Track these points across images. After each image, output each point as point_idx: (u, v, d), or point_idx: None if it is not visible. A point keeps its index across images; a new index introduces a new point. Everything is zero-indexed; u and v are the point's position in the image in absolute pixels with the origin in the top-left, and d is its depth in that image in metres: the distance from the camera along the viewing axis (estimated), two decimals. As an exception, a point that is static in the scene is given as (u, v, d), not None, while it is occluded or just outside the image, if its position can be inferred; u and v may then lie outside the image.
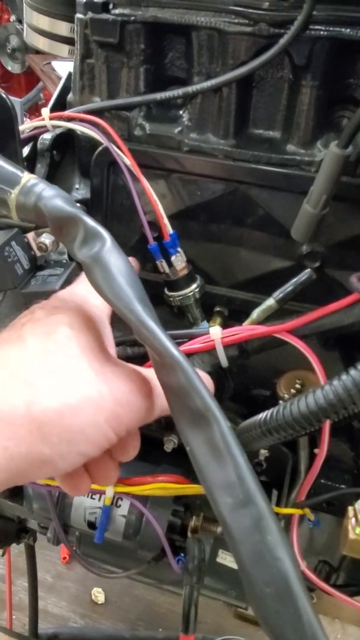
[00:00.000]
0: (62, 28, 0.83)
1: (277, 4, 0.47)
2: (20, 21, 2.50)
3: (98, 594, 1.50)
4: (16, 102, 2.27)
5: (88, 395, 0.32)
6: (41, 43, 0.89)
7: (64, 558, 1.57)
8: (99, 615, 1.47)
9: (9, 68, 2.65)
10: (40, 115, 0.59)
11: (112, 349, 0.39)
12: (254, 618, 1.42)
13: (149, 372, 0.37)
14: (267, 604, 0.28)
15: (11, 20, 2.64)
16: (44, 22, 0.85)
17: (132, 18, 0.51)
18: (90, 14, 0.52)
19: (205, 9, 0.50)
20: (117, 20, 0.51)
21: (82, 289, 0.41)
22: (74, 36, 0.60)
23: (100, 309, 0.40)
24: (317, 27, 0.47)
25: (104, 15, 0.52)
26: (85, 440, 0.32)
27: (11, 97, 0.49)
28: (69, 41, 0.84)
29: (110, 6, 0.53)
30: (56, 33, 0.84)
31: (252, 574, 0.29)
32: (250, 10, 0.48)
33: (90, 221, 0.36)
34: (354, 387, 0.31)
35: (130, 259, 0.54)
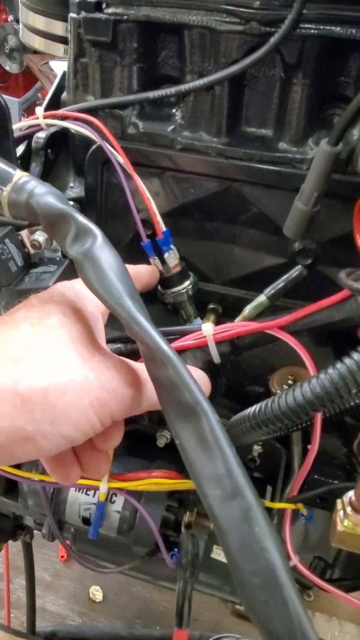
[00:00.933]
0: (58, 27, 0.84)
1: (268, 3, 0.47)
2: (18, 21, 2.50)
3: (96, 592, 1.50)
4: (14, 101, 2.27)
5: (73, 378, 0.33)
6: (37, 43, 0.89)
7: (62, 557, 1.57)
8: (96, 613, 1.47)
9: (7, 68, 2.65)
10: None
11: (104, 343, 0.40)
12: (251, 615, 1.43)
13: (139, 365, 0.37)
14: (254, 594, 0.29)
15: (9, 20, 2.64)
16: (39, 21, 0.86)
17: (125, 17, 0.51)
18: (83, 14, 0.53)
19: (197, 7, 0.50)
20: (109, 20, 0.51)
21: (80, 285, 0.41)
22: (68, 35, 0.60)
23: (96, 304, 0.40)
24: (307, 25, 0.47)
25: (97, 15, 0.52)
26: (68, 422, 0.33)
27: (9, 97, 0.49)
28: (64, 41, 0.85)
29: (103, 5, 0.53)
30: (52, 32, 0.85)
31: (240, 565, 0.29)
32: (241, 9, 0.48)
33: (81, 218, 0.36)
34: (341, 381, 0.31)
35: (151, 267, 0.55)
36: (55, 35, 0.85)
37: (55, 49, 0.88)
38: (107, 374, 0.34)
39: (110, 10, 0.52)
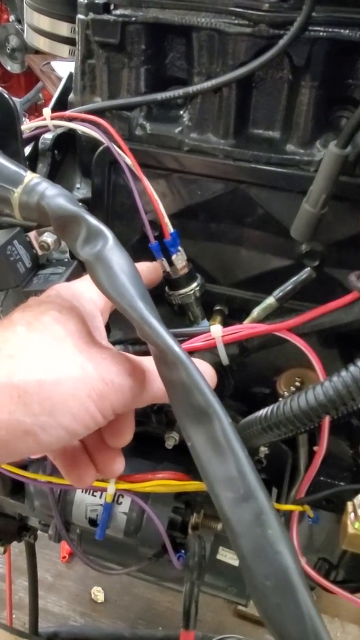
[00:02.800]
0: (63, 28, 0.84)
1: (277, 5, 0.48)
2: (19, 21, 2.50)
3: (98, 593, 1.50)
4: (15, 102, 2.27)
5: (69, 369, 0.33)
6: (42, 43, 0.89)
7: (64, 557, 1.57)
8: (98, 614, 1.47)
9: (9, 68, 2.65)
10: (39, 115, 0.59)
11: (104, 340, 0.40)
12: (253, 616, 1.43)
13: (141, 358, 0.37)
14: (267, 597, 0.29)
15: (10, 20, 2.64)
16: (44, 22, 0.86)
17: (133, 19, 0.51)
18: (91, 15, 0.53)
19: (205, 9, 0.50)
20: (118, 21, 0.51)
21: (79, 284, 0.41)
22: (74, 36, 0.60)
23: (94, 303, 0.40)
24: (316, 28, 0.47)
25: (105, 16, 0.52)
26: (67, 413, 0.32)
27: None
28: (69, 41, 0.85)
29: (111, 7, 0.53)
30: (57, 33, 0.85)
31: (253, 568, 0.29)
32: (250, 12, 0.48)
33: (92, 220, 0.36)
34: (354, 384, 0.31)
35: (153, 264, 0.55)
36: (61, 36, 0.85)
37: (60, 50, 0.88)
38: (105, 365, 0.34)
39: (118, 11, 0.53)
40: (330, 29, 0.47)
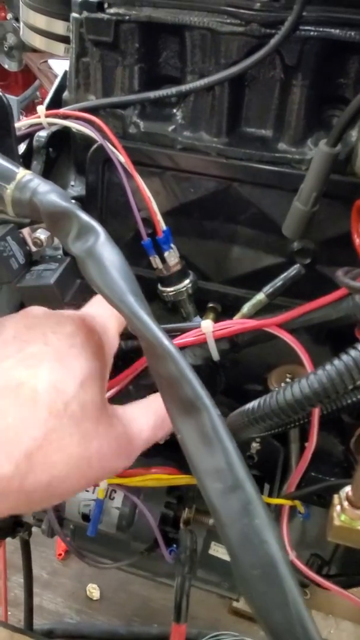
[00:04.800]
0: (59, 27, 0.84)
1: (269, 5, 0.48)
2: (17, 19, 2.49)
3: (93, 590, 1.51)
4: (13, 100, 2.26)
5: (77, 467, 0.33)
6: (37, 41, 0.90)
7: (60, 554, 1.57)
8: (94, 611, 1.48)
9: (6, 66, 2.64)
10: (36, 113, 0.60)
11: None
12: (248, 613, 1.43)
13: (137, 425, 0.39)
14: (254, 585, 0.29)
15: (8, 18, 2.64)
16: (40, 20, 0.86)
17: (127, 17, 0.52)
18: (85, 13, 0.53)
19: (198, 9, 0.51)
20: (111, 20, 0.52)
21: (101, 317, 0.40)
22: (69, 35, 0.61)
23: (115, 334, 0.40)
24: (307, 27, 0.48)
25: (99, 15, 0.52)
26: (59, 499, 0.35)
27: (8, 95, 0.49)
28: (65, 40, 0.85)
29: (105, 5, 0.54)
30: (52, 32, 0.85)
31: (240, 557, 0.30)
32: (242, 11, 0.49)
33: (84, 216, 0.37)
34: (337, 376, 0.32)
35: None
36: (56, 34, 0.86)
37: (56, 48, 0.88)
38: (108, 453, 0.35)
39: (112, 10, 0.53)
40: (321, 29, 0.48)
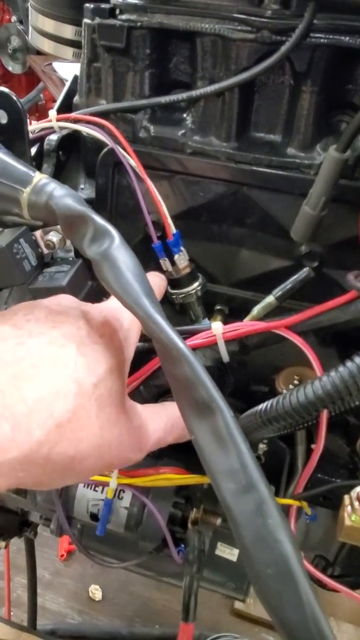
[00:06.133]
0: (67, 31, 0.85)
1: (280, 13, 0.49)
2: (21, 22, 2.51)
3: (95, 591, 1.51)
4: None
5: (98, 447, 0.35)
6: (46, 45, 0.91)
7: (62, 555, 1.58)
8: (96, 612, 1.48)
9: (10, 68, 2.65)
10: (40, 115, 0.60)
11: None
12: (249, 615, 1.44)
13: (154, 423, 0.41)
14: (268, 584, 0.30)
15: (12, 20, 2.65)
16: (49, 24, 0.87)
17: (139, 24, 0.52)
18: (97, 19, 0.54)
19: (209, 15, 0.51)
20: (124, 26, 0.53)
21: (128, 321, 0.41)
22: (78, 39, 0.61)
23: (135, 335, 0.41)
24: (317, 35, 0.48)
25: (112, 21, 0.53)
26: (75, 478, 0.36)
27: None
28: (73, 44, 0.86)
29: (117, 11, 0.54)
30: (61, 36, 0.86)
31: (254, 556, 0.30)
32: (253, 18, 0.49)
33: (99, 219, 0.38)
34: (350, 378, 0.33)
35: (157, 274, 0.55)
36: (65, 38, 0.86)
37: (64, 52, 0.89)
38: (125, 442, 0.37)
39: (124, 16, 0.54)
40: (331, 36, 0.48)
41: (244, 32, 0.50)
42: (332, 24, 0.48)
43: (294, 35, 0.47)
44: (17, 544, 1.04)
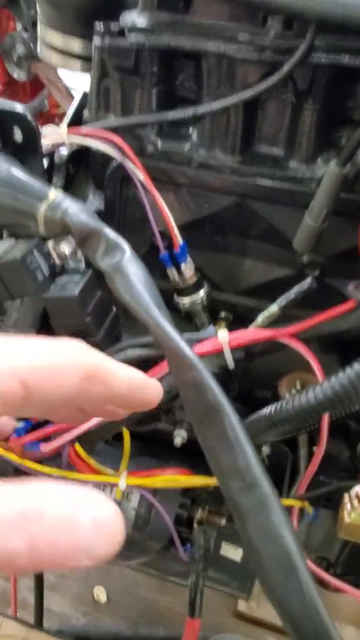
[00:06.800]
0: (75, 45, 0.87)
1: (282, 33, 0.51)
2: (26, 29, 2.53)
3: (100, 593, 1.53)
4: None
5: None
6: (54, 58, 0.93)
7: (67, 557, 1.59)
8: (100, 613, 1.49)
9: (15, 76, 2.67)
10: (44, 121, 0.62)
11: None
12: (252, 617, 1.45)
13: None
14: (272, 576, 0.32)
15: (17, 28, 2.68)
16: (57, 39, 0.89)
17: (147, 44, 0.55)
18: (107, 40, 0.56)
19: (215, 36, 0.54)
20: (133, 47, 0.55)
21: None
22: (86, 53, 0.63)
23: None
24: (318, 54, 0.50)
25: (121, 42, 0.55)
26: None
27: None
28: (81, 57, 0.88)
29: (126, 31, 0.57)
30: (69, 50, 0.88)
31: (259, 550, 0.32)
32: (257, 38, 0.51)
33: (111, 233, 0.40)
34: (350, 384, 0.35)
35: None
36: (72, 52, 0.89)
37: (72, 65, 0.91)
38: None
39: (132, 36, 0.56)
40: (331, 56, 0.50)
41: (248, 52, 0.52)
42: (333, 44, 0.50)
43: (296, 55, 0.49)
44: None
